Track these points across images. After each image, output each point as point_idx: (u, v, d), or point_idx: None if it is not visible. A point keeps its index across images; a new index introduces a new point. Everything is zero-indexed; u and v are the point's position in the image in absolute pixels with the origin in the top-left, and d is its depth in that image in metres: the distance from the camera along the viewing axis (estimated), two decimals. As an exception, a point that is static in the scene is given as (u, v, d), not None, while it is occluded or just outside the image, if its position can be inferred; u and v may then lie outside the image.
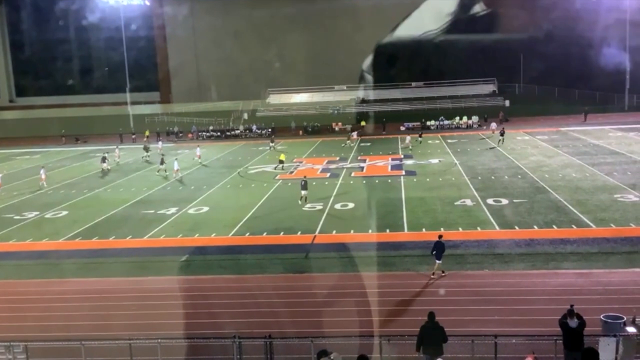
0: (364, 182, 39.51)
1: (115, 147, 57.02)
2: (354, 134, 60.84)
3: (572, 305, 13.91)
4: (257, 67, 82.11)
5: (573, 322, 13.54)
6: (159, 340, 15.35)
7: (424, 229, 27.32)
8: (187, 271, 23.71)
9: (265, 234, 27.98)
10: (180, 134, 70.46)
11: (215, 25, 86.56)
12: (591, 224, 26.66)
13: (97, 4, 77.73)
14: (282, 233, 27.91)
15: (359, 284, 21.09)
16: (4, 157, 60.54)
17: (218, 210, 33.13)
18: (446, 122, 67.46)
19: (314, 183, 39.60)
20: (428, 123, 67.54)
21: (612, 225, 26.35)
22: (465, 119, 67.64)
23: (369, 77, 79.95)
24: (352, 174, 42.32)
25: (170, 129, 72.93)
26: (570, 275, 20.98)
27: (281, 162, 45.85)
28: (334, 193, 36.05)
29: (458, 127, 65.91)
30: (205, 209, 33.68)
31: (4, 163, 56.18)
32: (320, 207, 32.45)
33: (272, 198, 35.79)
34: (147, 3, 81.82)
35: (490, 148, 50.46)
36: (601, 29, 65.71)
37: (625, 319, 14.79)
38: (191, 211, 33.28)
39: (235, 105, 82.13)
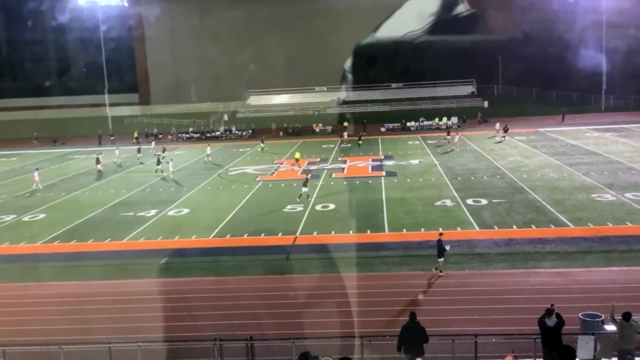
0: (345, 183, 39.57)
1: (115, 148, 56.61)
2: (345, 133, 61.36)
3: (552, 305, 14.05)
4: (237, 69, 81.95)
5: (551, 321, 13.69)
6: (139, 344, 15.22)
7: (404, 230, 27.43)
8: (167, 274, 23.55)
9: (246, 235, 27.89)
10: (160, 136, 69.99)
11: (194, 26, 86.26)
12: (569, 224, 26.96)
13: (75, 4, 76.97)
14: (263, 234, 27.85)
15: (339, 285, 21.12)
16: (-21, 160, 59.65)
17: (198, 212, 32.96)
18: (426, 122, 67.79)
19: (295, 184, 39.57)
20: (408, 124, 67.82)
21: (589, 224, 26.67)
22: (445, 119, 68.04)
23: (350, 77, 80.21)
24: (333, 175, 42.36)
25: (149, 130, 72.38)
26: (548, 275, 21.20)
27: (297, 160, 46.48)
28: (315, 194, 36.05)
29: (438, 128, 66.26)
30: (186, 210, 33.49)
31: (-21, 165, 55.37)
32: (301, 209, 32.44)
33: (253, 199, 35.70)
34: (125, 4, 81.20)
35: (493, 145, 50.90)
36: (578, 31, 66.57)
37: (603, 317, 14.98)
38: (171, 213, 33.07)
39: (215, 106, 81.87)
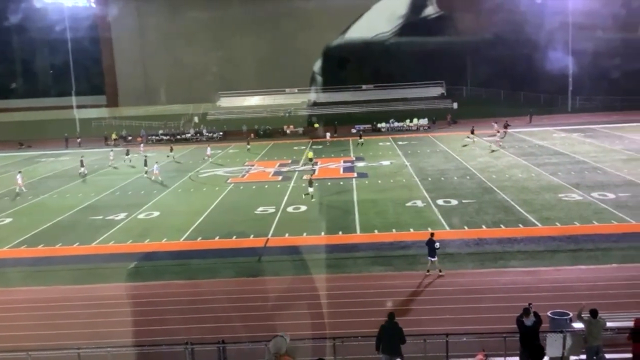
0: (316, 184, 39.55)
1: (110, 149, 55.68)
2: (328, 134, 61.50)
3: (530, 304, 14.28)
4: (208, 70, 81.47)
5: (528, 321, 13.89)
6: (109, 349, 15.02)
7: (376, 231, 27.56)
8: (137, 277, 23.27)
9: (217, 238, 27.73)
10: (130, 138, 69.14)
11: (163, 27, 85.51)
12: (537, 223, 27.37)
13: (41, 5, 75.64)
14: (234, 237, 27.71)
15: (312, 287, 21.13)
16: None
17: (169, 215, 32.65)
18: (397, 124, 68.23)
19: (266, 186, 39.51)
20: (379, 125, 68.19)
21: (557, 224, 27.11)
22: (415, 120, 68.56)
23: (320, 79, 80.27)
24: (304, 177, 42.33)
25: (119, 132, 71.47)
26: (518, 274, 21.49)
27: (310, 159, 46.78)
28: (286, 196, 36.01)
29: (409, 129, 66.75)
30: (156, 213, 33.15)
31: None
32: (273, 210, 32.37)
33: (224, 202, 35.51)
34: (93, 5, 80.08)
35: (492, 151, 51.37)
36: (546, 33, 67.69)
37: (571, 315, 15.23)
38: (141, 216, 32.71)
39: (186, 108, 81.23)
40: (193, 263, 24.66)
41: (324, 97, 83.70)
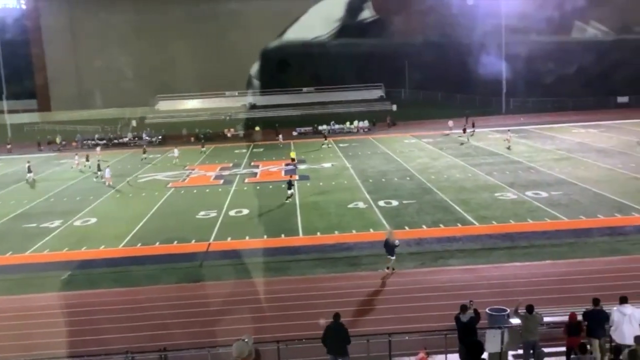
0: (258, 187, 39.43)
1: (75, 154, 53.07)
2: (280, 136, 61.55)
3: (471, 301, 14.66)
4: (145, 73, 79.99)
5: (465, 317, 14.24)
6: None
7: (318, 233, 27.64)
8: (73, 286, 22.56)
9: (157, 243, 27.21)
10: (64, 143, 67.02)
11: (97, 29, 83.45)
12: (475, 222, 28.05)
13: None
14: (175, 242, 27.26)
15: (255, 290, 21.01)
16: None
17: (107, 222, 31.82)
18: (337, 126, 68.65)
19: (207, 190, 39.05)
20: (320, 128, 68.44)
21: (493, 222, 27.85)
22: (356, 123, 69.16)
23: (257, 83, 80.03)
24: (246, 180, 42.11)
25: (52, 137, 69.12)
26: (457, 272, 21.96)
27: (293, 160, 46.48)
28: (228, 200, 35.71)
29: (349, 132, 67.27)
30: (93, 220, 32.26)
31: None
32: (215, 215, 32.03)
33: (165, 207, 34.89)
34: (23, 6, 77.36)
35: (461, 144, 52.32)
36: (480, 37, 69.60)
37: (508, 310, 15.66)
38: (77, 223, 31.77)
39: (122, 112, 79.48)
40: (133, 270, 24.11)
41: (265, 100, 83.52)
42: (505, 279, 20.93)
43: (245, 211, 32.64)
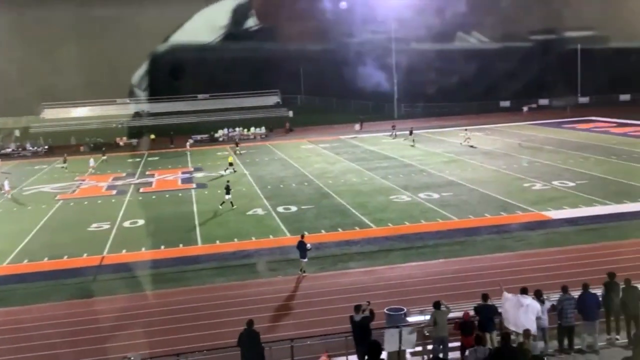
0: (154, 197, 38.41)
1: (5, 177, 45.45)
2: (187, 143, 60.11)
3: (368, 302, 14.98)
4: (28, 80, 75.64)
5: (357, 317, 14.57)
6: None
7: (217, 241, 27.31)
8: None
9: (46, 259, 25.84)
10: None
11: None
12: (372, 225, 28.75)
13: None
14: (66, 257, 26.00)
15: (153, 303, 20.43)
16: None
17: (-11, 238, 29.83)
18: (234, 133, 68.16)
19: (99, 201, 37.60)
20: (216, 135, 67.71)
21: (389, 224, 28.66)
22: (253, 129, 68.99)
23: (139, 92, 77.86)
24: (141, 190, 40.89)
25: None
26: (356, 274, 22.41)
27: (231, 164, 45.22)
28: (122, 211, 34.52)
29: (247, 138, 66.96)
30: (-27, 237, 30.15)
31: None
32: (108, 227, 30.86)
33: (53, 220, 33.20)
34: None
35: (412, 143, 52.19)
36: (372, 43, 71.52)
37: (405, 310, 16.16)
38: (-45, 241, 29.57)
39: (5, 122, 74.91)
40: (18, 289, 22.74)
41: (159, 107, 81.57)
42: (402, 279, 21.58)
43: (141, 222, 31.70)
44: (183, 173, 46.64)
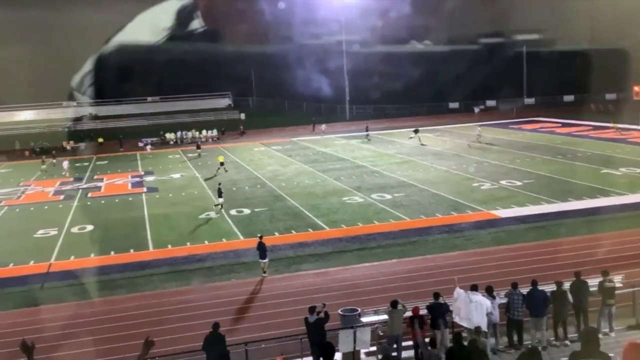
0: (103, 202, 37.62)
1: None
2: (148, 147, 59.05)
3: (323, 304, 15.05)
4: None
5: (311, 318, 14.61)
6: None
7: (169, 246, 26.92)
8: None
9: (-10, 268, 25.00)
10: None
11: None
12: (325, 226, 28.83)
13: None
14: (11, 265, 25.21)
15: (102, 310, 19.97)
16: None
17: None
18: (185, 136, 67.35)
19: (46, 207, 36.63)
20: (167, 137, 66.77)
21: (342, 225, 28.80)
22: (204, 132, 68.32)
23: (102, 91, 76.22)
24: (89, 195, 40.00)
25: None
26: (310, 276, 22.43)
27: (222, 164, 44.78)
28: (70, 216, 33.70)
29: (200, 141, 66.16)
30: None
31: None
32: (55, 233, 30.07)
33: (-3, 227, 32.18)
34: None
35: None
36: (323, 46, 71.77)
37: (359, 310, 16.25)
38: None
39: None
40: (-39, 299, 21.94)
41: (107, 110, 79.98)
42: (355, 279, 21.70)
43: (90, 227, 31.01)
44: (133, 177, 45.82)
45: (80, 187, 42.90)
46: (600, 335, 12.62)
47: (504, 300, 15.73)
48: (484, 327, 14.38)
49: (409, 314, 15.34)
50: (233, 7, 72.98)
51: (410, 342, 15.12)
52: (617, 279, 16.84)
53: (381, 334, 15.50)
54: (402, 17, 71.09)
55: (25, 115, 78.26)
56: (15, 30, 75.37)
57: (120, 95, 79.50)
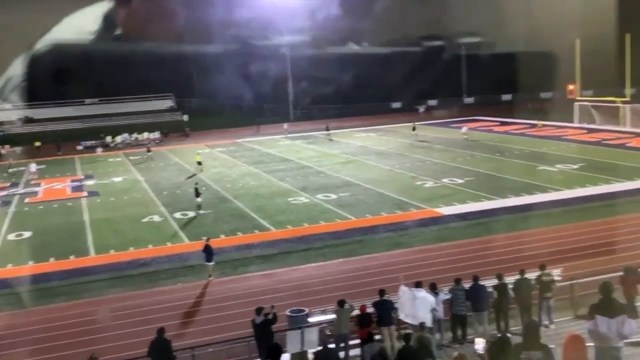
0: (41, 207, 36.49)
1: None
2: (99, 149, 57.02)
3: (272, 306, 15.12)
4: None
5: (258, 319, 14.61)
6: None
7: (112, 251, 26.35)
8: None
9: None
10: None
11: None
12: (271, 228, 28.78)
13: None
14: (-58, 275, 24.17)
15: (41, 319, 19.36)
16: None
17: None
18: (127, 139, 65.99)
19: (-20, 214, 35.25)
20: (108, 140, 65.26)
21: (288, 226, 28.81)
22: (145, 134, 67.06)
23: (35, 93, 73.62)
24: (27, 200, 38.71)
25: None
26: (257, 278, 22.37)
27: (199, 163, 44.32)
28: (7, 223, 32.55)
29: (141, 144, 64.97)
30: None
31: None
32: (-10, 241, 28.99)
33: None
34: None
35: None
36: (266, 47, 71.56)
37: (307, 310, 16.32)
38: None
39: None
40: None
41: (44, 112, 77.56)
42: (303, 280, 21.76)
43: (28, 234, 30.03)
44: (73, 181, 44.60)
45: (16, 192, 41.48)
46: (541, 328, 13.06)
47: (448, 297, 16.07)
48: (429, 323, 14.65)
49: (356, 312, 15.48)
50: (170, 8, 71.81)
51: (358, 341, 15.26)
52: (556, 273, 17.45)
53: (328, 333, 15.59)
54: (337, 19, 71.61)
55: (-44, 118, 75.20)
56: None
57: (57, 98, 77.25)
